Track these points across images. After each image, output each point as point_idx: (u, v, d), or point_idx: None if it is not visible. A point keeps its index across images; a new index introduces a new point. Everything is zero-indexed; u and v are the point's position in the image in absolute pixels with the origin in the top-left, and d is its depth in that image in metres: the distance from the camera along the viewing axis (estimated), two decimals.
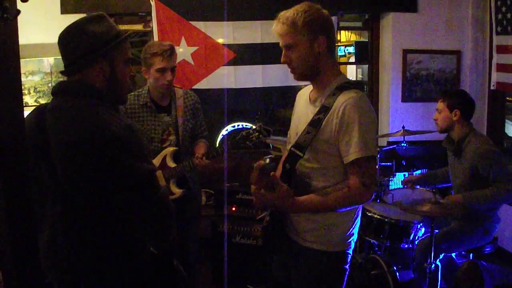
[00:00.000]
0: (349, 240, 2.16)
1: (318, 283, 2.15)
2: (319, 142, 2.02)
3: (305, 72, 2.08)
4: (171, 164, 3.06)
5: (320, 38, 2.01)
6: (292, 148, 2.08)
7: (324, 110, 2.01)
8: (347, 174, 2.01)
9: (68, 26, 1.74)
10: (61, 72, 1.78)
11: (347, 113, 1.94)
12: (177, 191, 3.04)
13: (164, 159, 3.06)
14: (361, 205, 2.20)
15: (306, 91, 2.25)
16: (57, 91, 1.75)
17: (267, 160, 2.00)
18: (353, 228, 2.16)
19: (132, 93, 3.11)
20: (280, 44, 2.08)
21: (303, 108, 2.20)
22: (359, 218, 2.20)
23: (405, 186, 3.89)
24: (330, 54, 2.10)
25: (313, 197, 2.01)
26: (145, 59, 3.01)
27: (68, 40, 1.72)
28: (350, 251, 2.18)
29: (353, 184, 1.96)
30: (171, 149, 3.09)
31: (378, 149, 3.92)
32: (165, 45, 2.99)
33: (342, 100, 1.97)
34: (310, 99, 2.16)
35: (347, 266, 2.18)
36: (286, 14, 2.01)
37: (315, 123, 2.02)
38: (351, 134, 1.94)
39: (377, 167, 2.16)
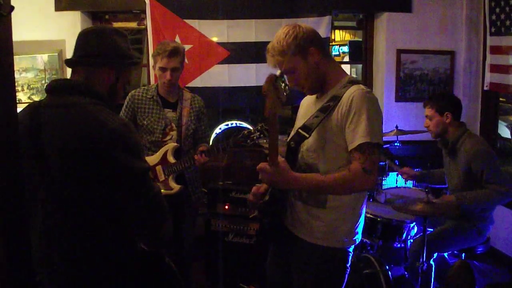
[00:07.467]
0: (354, 238, 2.18)
1: (321, 279, 2.17)
2: (326, 128, 2.06)
3: (314, 85, 2.17)
4: (171, 160, 3.12)
5: (310, 50, 2.09)
6: (299, 129, 2.12)
7: (334, 98, 2.07)
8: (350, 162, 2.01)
9: (95, 26, 1.80)
10: (66, 61, 1.82)
11: (355, 101, 1.99)
12: (175, 186, 3.10)
13: (165, 154, 3.13)
14: (365, 203, 2.24)
15: (310, 97, 2.31)
16: (54, 89, 1.75)
17: (278, 72, 2.00)
18: (358, 226, 2.19)
19: (142, 88, 3.31)
20: (280, 72, 2.13)
21: (310, 105, 2.26)
22: (363, 216, 2.22)
23: (401, 175, 3.94)
24: (327, 58, 2.17)
25: (312, 174, 2.04)
26: (153, 56, 3.18)
27: (92, 36, 1.80)
28: (351, 250, 2.20)
29: (354, 168, 1.95)
30: (172, 145, 3.15)
31: None
32: (168, 45, 3.10)
33: (353, 90, 2.03)
34: (317, 97, 2.22)
35: (348, 265, 2.19)
36: (273, 45, 2.11)
37: (325, 109, 2.07)
38: (359, 121, 1.97)
39: (381, 157, 2.18)
